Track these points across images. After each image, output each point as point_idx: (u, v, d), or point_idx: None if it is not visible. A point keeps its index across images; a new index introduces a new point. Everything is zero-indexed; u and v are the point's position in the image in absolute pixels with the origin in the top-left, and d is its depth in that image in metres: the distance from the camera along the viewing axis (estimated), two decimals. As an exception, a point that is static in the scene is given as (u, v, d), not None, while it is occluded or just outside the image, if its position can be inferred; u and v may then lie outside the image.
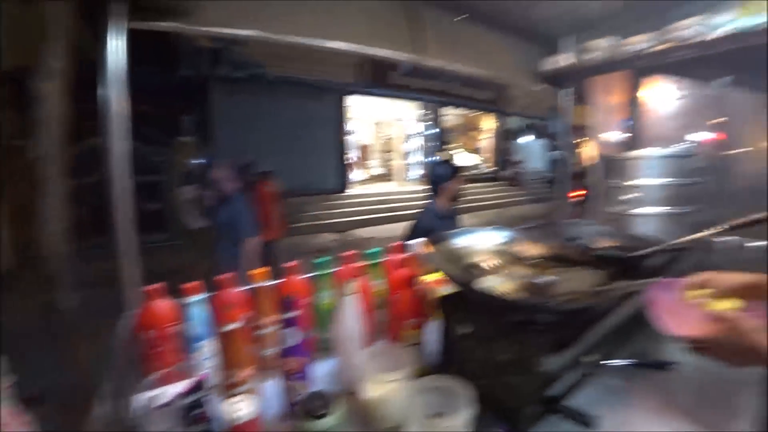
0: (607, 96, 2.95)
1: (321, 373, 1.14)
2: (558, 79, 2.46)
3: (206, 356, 1.05)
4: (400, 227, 2.80)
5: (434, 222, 2.56)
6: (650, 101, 2.71)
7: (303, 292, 1.18)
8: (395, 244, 1.33)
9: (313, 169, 10.85)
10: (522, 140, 18.84)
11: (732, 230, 1.26)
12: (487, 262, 1.08)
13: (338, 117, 11.49)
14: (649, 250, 1.28)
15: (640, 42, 1.94)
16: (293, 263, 1.18)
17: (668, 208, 1.73)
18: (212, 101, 8.98)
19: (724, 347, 0.84)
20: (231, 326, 0.93)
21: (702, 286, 1.00)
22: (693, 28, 1.80)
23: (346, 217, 10.29)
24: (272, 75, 8.81)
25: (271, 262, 1.15)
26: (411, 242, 1.41)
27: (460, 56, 2.11)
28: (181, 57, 7.97)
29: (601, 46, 2.09)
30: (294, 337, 0.92)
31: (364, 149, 16.65)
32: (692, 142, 2.50)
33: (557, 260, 1.11)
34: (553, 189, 2.96)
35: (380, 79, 10.68)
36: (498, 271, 1.04)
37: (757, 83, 2.26)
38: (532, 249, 1.14)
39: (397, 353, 0.95)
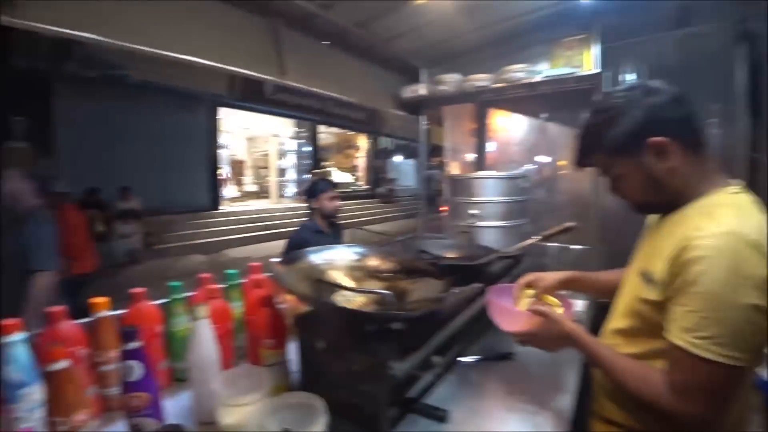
0: (461, 122, 3.32)
1: (175, 405, 1.08)
2: (415, 106, 2.73)
3: (32, 405, 0.90)
4: (276, 246, 2.73)
5: (311, 237, 2.59)
6: (497, 129, 3.13)
7: (150, 320, 1.10)
8: (255, 264, 1.32)
9: (182, 185, 9.94)
10: (395, 159, 20.02)
11: (546, 239, 1.54)
12: (339, 278, 1.14)
13: (210, 130, 10.70)
14: (487, 258, 1.50)
15: (481, 80, 2.25)
16: (139, 290, 1.10)
17: (506, 221, 2.03)
18: (55, 102, 7.50)
19: (542, 337, 1.02)
20: (59, 365, 0.82)
21: (528, 286, 1.21)
22: (520, 72, 2.16)
23: (219, 236, 9.65)
24: (134, 79, 7.73)
25: (81, 301, 1.02)
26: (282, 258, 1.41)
27: (328, 80, 2.20)
28: (15, 47, 6.46)
29: (449, 80, 2.37)
30: (137, 370, 0.85)
31: (237, 165, 15.93)
32: (533, 164, 2.96)
33: (408, 272, 1.21)
34: (423, 205, 3.22)
35: (254, 93, 10.35)
36: (349, 286, 1.11)
37: (566, 118, 2.79)
38: (384, 263, 1.23)
39: (255, 375, 0.94)
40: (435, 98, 2.53)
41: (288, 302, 1.25)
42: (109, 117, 8.22)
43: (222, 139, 11.83)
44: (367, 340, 0.90)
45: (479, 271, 1.51)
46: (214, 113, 10.64)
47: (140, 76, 7.65)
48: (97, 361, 1.02)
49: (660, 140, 0.84)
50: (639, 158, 0.87)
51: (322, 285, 0.96)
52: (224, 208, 11.45)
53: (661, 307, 0.83)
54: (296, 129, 14.52)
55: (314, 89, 2.08)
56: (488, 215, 2.02)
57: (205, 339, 0.99)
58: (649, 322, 0.87)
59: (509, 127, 3.06)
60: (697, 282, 0.74)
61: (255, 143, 16.55)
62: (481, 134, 3.14)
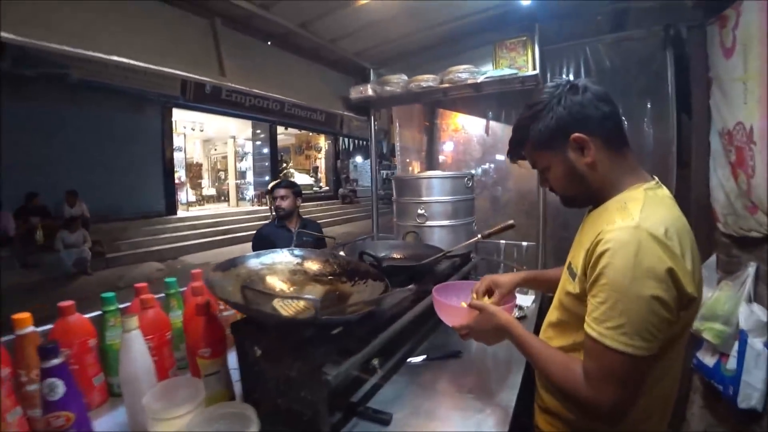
0: (413, 122, 3.36)
1: (111, 420, 1.05)
2: (364, 107, 2.74)
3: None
4: (236, 250, 2.71)
5: (272, 231, 2.70)
6: (454, 127, 3.17)
7: (82, 334, 1.06)
8: (196, 270, 1.29)
9: (135, 190, 9.48)
10: (356, 160, 20.07)
11: (488, 237, 1.58)
12: (277, 283, 1.13)
13: (163, 132, 10.24)
14: (431, 258, 1.52)
15: (426, 80, 2.28)
16: (66, 303, 1.05)
17: (452, 220, 2.07)
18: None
19: (480, 329, 1.05)
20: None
21: (487, 291, 1.23)
22: (464, 73, 2.19)
23: (176, 242, 9.30)
24: (75, 78, 7.29)
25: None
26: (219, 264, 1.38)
27: (271, 82, 2.16)
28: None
29: (396, 81, 2.39)
30: (59, 388, 0.81)
31: (194, 168, 15.43)
32: (490, 162, 3.02)
33: (350, 275, 1.21)
34: (376, 205, 3.21)
35: (207, 94, 10.04)
36: (284, 291, 1.10)
37: (513, 118, 2.87)
38: (326, 266, 1.23)
39: (190, 385, 0.91)
40: (382, 99, 2.54)
41: (226, 309, 1.22)
42: (49, 118, 7.70)
43: (177, 141, 11.41)
44: (302, 346, 0.90)
45: (424, 271, 1.53)
46: (167, 114, 10.21)
47: (82, 75, 7.23)
48: (22, 380, 0.97)
49: (580, 136, 0.87)
50: (562, 152, 0.90)
51: (250, 292, 0.94)
52: (181, 212, 11.07)
53: (581, 299, 0.86)
54: (254, 130, 14.20)
55: (255, 90, 2.02)
56: (435, 215, 2.05)
57: (135, 351, 0.96)
58: (575, 315, 0.90)
59: (466, 126, 3.11)
60: (604, 274, 0.77)
61: (212, 145, 16.11)
62: (431, 134, 3.19)
